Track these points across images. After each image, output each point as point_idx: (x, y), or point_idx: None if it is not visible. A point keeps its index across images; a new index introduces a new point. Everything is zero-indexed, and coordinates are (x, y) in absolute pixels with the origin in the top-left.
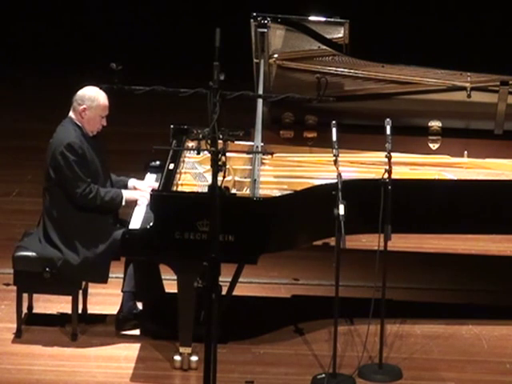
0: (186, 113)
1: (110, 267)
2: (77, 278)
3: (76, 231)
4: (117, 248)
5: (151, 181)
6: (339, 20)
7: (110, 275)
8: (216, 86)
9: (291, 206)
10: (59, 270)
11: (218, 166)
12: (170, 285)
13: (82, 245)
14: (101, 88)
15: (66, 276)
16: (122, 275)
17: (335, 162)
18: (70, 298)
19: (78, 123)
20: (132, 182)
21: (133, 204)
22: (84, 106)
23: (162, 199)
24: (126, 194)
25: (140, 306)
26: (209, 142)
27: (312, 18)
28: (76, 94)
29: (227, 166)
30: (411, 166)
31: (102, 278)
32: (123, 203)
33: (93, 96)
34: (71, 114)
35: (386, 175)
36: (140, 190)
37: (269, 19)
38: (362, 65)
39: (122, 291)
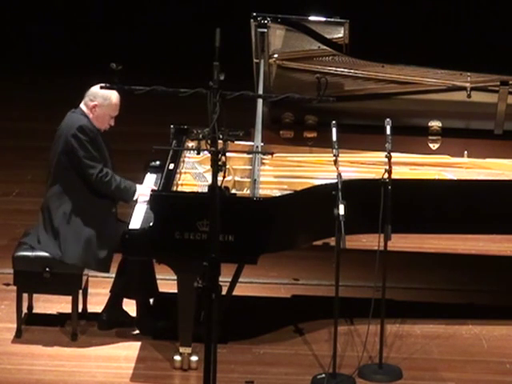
0: (186, 113)
1: (112, 257)
2: (79, 266)
3: (81, 219)
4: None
5: (150, 182)
6: (339, 20)
7: (110, 275)
8: (216, 86)
9: (291, 206)
10: (61, 262)
11: (218, 166)
12: (170, 285)
13: (86, 233)
14: (101, 88)
15: (68, 267)
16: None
17: (335, 162)
18: (70, 297)
19: (87, 115)
20: (138, 186)
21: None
22: (95, 103)
23: (162, 199)
24: (139, 188)
25: (127, 307)
26: (209, 142)
27: (312, 18)
28: (89, 89)
29: (227, 166)
30: (411, 166)
31: (104, 268)
32: (135, 196)
33: (106, 94)
34: (82, 106)
35: (386, 175)
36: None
37: (269, 19)
38: (362, 65)
39: (110, 291)
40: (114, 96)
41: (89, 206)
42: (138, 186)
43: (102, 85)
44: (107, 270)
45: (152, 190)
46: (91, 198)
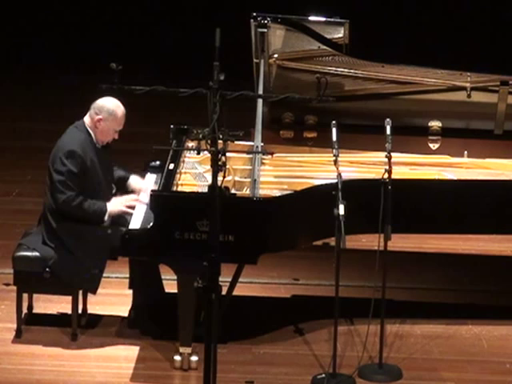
0: (186, 113)
1: (101, 277)
2: (68, 283)
3: (73, 236)
4: (112, 251)
5: (150, 181)
6: (339, 20)
7: (110, 275)
8: (216, 86)
9: (291, 206)
10: (54, 272)
11: (218, 166)
12: (170, 285)
13: (78, 251)
14: (101, 88)
15: (59, 278)
16: (122, 275)
17: (335, 162)
18: (70, 297)
19: (89, 130)
20: (133, 179)
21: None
22: (100, 117)
23: (162, 199)
24: (110, 207)
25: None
26: (209, 142)
27: (312, 18)
28: (95, 101)
29: (227, 166)
30: (411, 166)
31: (93, 288)
32: (106, 218)
33: (111, 109)
34: (86, 119)
35: (386, 175)
36: (125, 197)
37: (269, 19)
38: (362, 65)
39: (129, 288)
40: (119, 110)
41: (79, 223)
42: (108, 204)
43: (101, 85)
44: (94, 291)
45: (152, 190)
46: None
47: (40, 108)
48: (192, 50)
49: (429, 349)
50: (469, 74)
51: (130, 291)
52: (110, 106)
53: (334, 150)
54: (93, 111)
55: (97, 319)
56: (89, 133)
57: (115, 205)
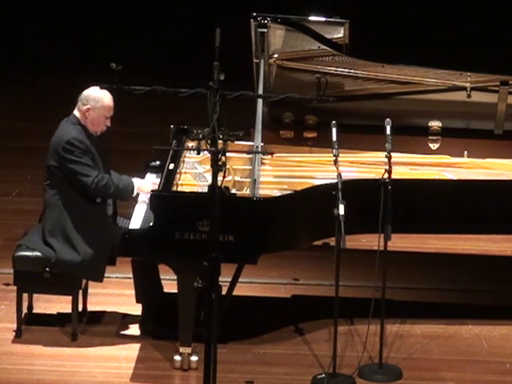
0: (186, 113)
1: (105, 267)
2: (74, 275)
3: (75, 228)
4: (115, 247)
5: (152, 178)
6: (339, 20)
7: (110, 275)
8: (216, 86)
9: (291, 206)
10: (55, 268)
11: (217, 166)
12: (170, 285)
13: (81, 242)
14: (101, 88)
15: (62, 273)
16: (122, 275)
17: (335, 162)
18: (70, 297)
19: (81, 122)
20: (135, 181)
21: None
22: (88, 106)
23: (162, 199)
24: (138, 184)
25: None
26: (209, 141)
27: (312, 18)
28: (81, 93)
29: (227, 166)
30: (411, 166)
31: (99, 277)
32: (135, 192)
33: (97, 97)
34: (76, 112)
35: (386, 175)
36: (150, 183)
37: (269, 19)
38: (362, 65)
39: (136, 302)
40: (106, 97)
41: (80, 217)
42: (135, 180)
43: (101, 85)
44: (101, 280)
45: (152, 190)
46: (84, 206)
47: (40, 108)
48: (192, 50)
49: (429, 349)
50: (469, 74)
51: (131, 291)
52: (95, 94)
53: (334, 150)
54: (80, 103)
55: (97, 319)
56: (81, 125)
57: (142, 182)
